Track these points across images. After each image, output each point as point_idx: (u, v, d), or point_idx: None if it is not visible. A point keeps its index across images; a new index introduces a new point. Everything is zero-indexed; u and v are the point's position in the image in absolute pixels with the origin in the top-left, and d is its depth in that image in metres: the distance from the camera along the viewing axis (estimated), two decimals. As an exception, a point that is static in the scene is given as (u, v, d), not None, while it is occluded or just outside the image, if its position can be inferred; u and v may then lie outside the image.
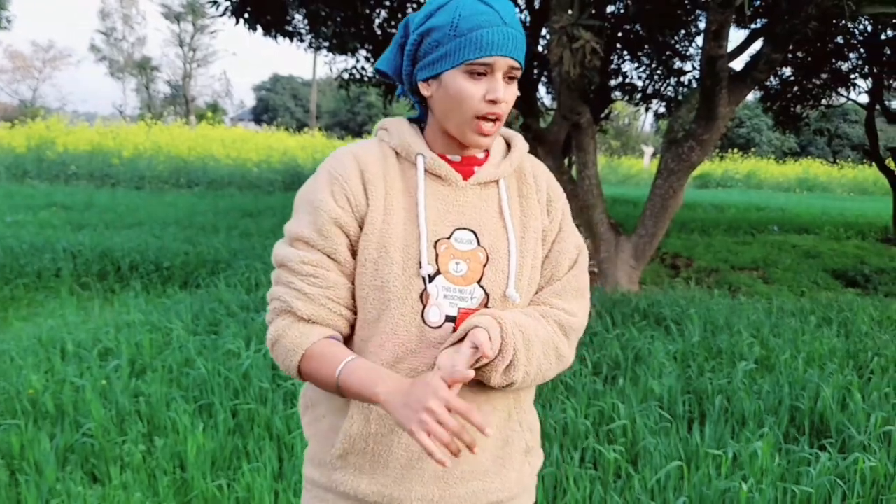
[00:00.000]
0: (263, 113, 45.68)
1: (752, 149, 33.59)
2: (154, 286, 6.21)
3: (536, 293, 1.29)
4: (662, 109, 10.00)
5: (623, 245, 6.25)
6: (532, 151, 7.95)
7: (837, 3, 4.44)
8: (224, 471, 2.87)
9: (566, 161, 8.30)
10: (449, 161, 1.25)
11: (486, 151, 1.28)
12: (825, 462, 2.85)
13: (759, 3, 5.36)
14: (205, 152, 18.08)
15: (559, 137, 7.44)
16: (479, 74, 1.16)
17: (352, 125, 41.38)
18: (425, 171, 1.23)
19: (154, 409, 3.33)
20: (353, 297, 1.24)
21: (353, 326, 1.25)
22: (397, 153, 1.25)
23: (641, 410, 3.35)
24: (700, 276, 7.57)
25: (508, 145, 1.32)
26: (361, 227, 1.21)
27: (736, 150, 31.86)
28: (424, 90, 1.22)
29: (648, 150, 31.15)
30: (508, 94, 1.18)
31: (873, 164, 12.35)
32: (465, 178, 1.24)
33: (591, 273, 7.19)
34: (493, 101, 1.16)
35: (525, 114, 8.84)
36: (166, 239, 7.61)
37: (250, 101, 50.24)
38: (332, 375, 1.15)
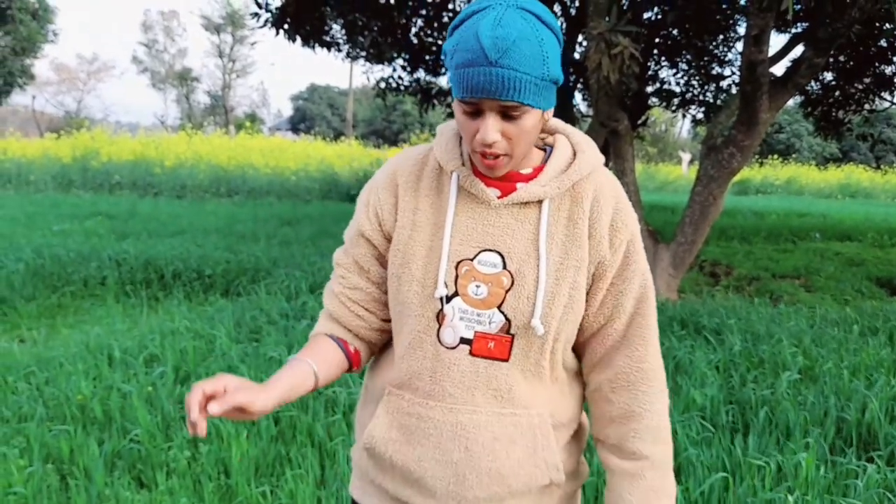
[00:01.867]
0: (301, 122, 46.27)
1: (793, 155, 33.00)
2: (196, 294, 6.32)
3: (592, 336, 1.23)
4: (700, 115, 9.88)
5: (662, 253, 6.19)
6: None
7: (882, 7, 4.36)
8: (267, 477, 2.92)
9: (603, 168, 8.25)
10: (486, 178, 1.18)
11: (537, 167, 1.20)
12: (873, 474, 2.79)
13: (800, 7, 5.29)
14: (244, 161, 18.37)
15: (597, 144, 7.42)
16: (472, 113, 1.09)
17: (388, 134, 41.68)
18: (459, 186, 1.18)
19: (198, 415, 3.38)
20: (380, 304, 1.28)
21: (384, 333, 1.30)
22: (439, 164, 1.22)
23: (683, 421, 3.32)
24: (740, 285, 7.46)
25: (574, 158, 1.21)
26: (390, 240, 1.23)
27: (776, 157, 31.33)
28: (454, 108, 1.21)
29: (686, 156, 30.81)
30: (510, 130, 1.09)
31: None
32: (505, 194, 1.17)
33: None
34: (483, 143, 1.09)
35: (562, 121, 8.83)
36: (208, 247, 7.74)
37: (288, 110, 50.96)
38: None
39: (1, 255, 7.10)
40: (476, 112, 1.09)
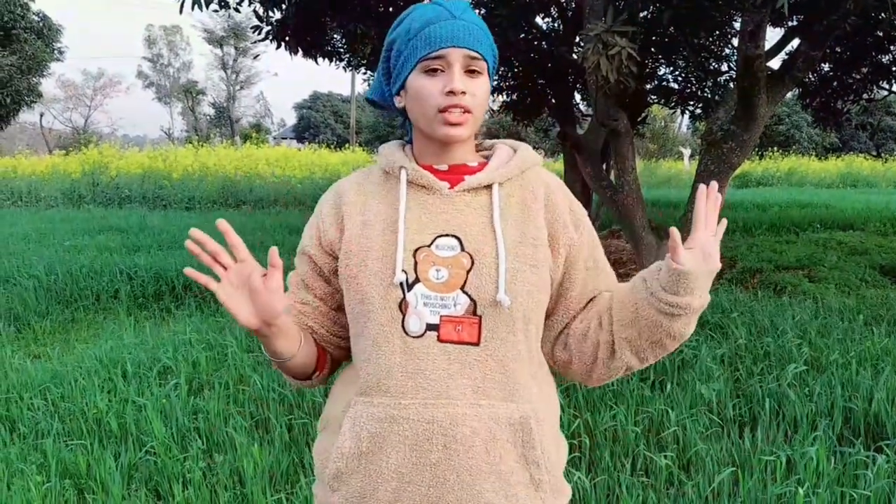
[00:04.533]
0: (305, 131, 46.37)
1: (793, 146, 32.89)
2: (208, 305, 6.38)
3: (585, 308, 1.29)
4: (699, 111, 9.89)
5: (665, 249, 6.21)
6: (570, 159, 7.96)
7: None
8: (282, 485, 2.96)
9: (605, 167, 8.29)
10: (435, 171, 1.25)
11: (483, 162, 1.28)
12: (882, 465, 2.82)
13: (794, 0, 5.31)
14: (251, 171, 18.50)
15: (597, 144, 7.45)
16: (436, 70, 1.17)
17: (390, 139, 41.47)
18: (409, 182, 1.23)
19: (212, 425, 3.44)
20: (328, 319, 1.32)
21: (336, 349, 1.34)
22: (387, 172, 1.27)
23: (691, 416, 3.35)
24: (744, 277, 7.47)
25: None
26: (333, 256, 1.27)
27: (776, 148, 31.23)
28: (399, 103, 1.26)
29: (686, 151, 30.77)
30: (472, 86, 1.18)
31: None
32: (454, 185, 1.23)
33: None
34: (452, 93, 1.16)
35: (562, 122, 8.86)
36: (217, 259, 7.77)
37: (291, 119, 51.10)
38: None
39: (14, 271, 7.19)
40: (438, 71, 1.17)
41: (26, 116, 35.63)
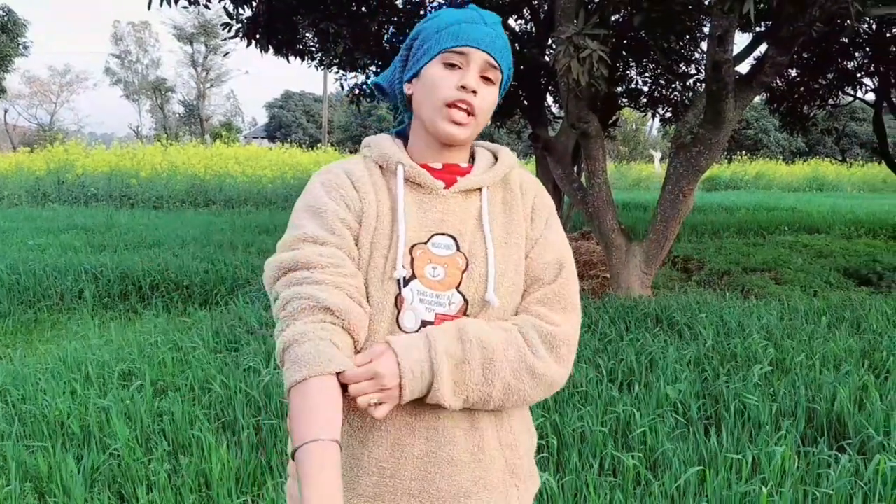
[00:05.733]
0: (277, 130, 46.05)
1: (761, 150, 33.45)
2: (175, 305, 6.30)
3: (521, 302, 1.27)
4: (668, 115, 10.01)
5: (634, 251, 6.27)
6: (541, 160, 7.98)
7: (842, 6, 4.46)
8: (249, 487, 2.93)
9: (576, 169, 8.34)
10: (430, 169, 1.25)
11: (471, 163, 1.30)
12: (845, 464, 2.86)
13: (762, 6, 5.39)
14: (221, 170, 18.29)
15: (568, 146, 7.49)
16: (455, 66, 1.20)
17: (363, 139, 41.60)
18: (406, 179, 1.24)
19: (178, 427, 3.39)
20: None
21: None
22: (380, 166, 1.27)
23: (658, 416, 3.38)
24: (712, 279, 7.57)
25: (496, 159, 1.33)
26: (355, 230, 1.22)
27: (744, 152, 31.72)
28: (408, 90, 1.27)
29: (657, 154, 31.14)
30: (484, 91, 1.21)
31: (882, 161, 12.27)
32: (448, 185, 1.24)
33: (604, 279, 7.21)
34: (464, 88, 1.18)
35: (534, 123, 8.90)
36: (185, 258, 7.70)
37: (263, 118, 50.70)
38: (298, 438, 1.02)
39: (-25, 272, 7.03)
40: (456, 66, 1.20)
41: (-10, 113, 34.92)
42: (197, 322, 5.35)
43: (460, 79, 1.19)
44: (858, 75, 9.54)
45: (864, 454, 3.05)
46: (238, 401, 3.63)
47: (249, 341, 4.63)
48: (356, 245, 1.19)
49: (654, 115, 10.31)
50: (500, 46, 1.22)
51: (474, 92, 1.19)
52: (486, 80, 1.21)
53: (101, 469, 3.09)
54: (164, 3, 6.14)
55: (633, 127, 35.57)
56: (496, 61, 1.21)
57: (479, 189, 1.26)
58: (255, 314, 5.39)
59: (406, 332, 1.16)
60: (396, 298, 1.16)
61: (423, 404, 1.15)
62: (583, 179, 7.35)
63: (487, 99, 1.22)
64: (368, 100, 10.00)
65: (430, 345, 1.12)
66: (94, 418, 3.45)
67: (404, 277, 1.17)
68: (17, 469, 3.02)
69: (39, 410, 3.59)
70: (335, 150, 29.22)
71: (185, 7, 6.93)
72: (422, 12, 8.40)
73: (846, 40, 7.64)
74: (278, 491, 2.80)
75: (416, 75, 1.25)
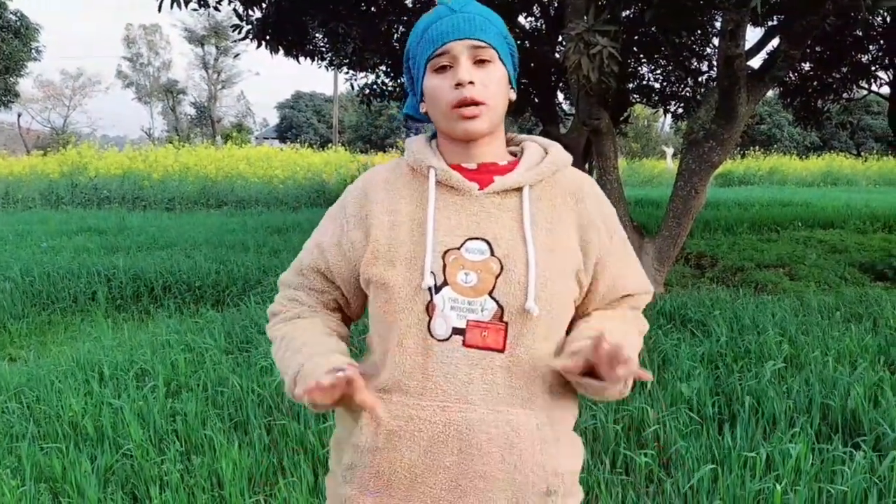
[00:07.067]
0: (287, 130, 46.19)
1: (775, 145, 33.23)
2: (187, 306, 6.33)
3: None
4: (680, 111, 9.95)
5: (647, 248, 6.24)
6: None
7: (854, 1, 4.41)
8: (261, 487, 2.93)
9: (587, 166, 8.31)
10: (464, 170, 1.22)
11: (512, 161, 1.26)
12: (860, 461, 2.83)
13: (774, 0, 5.34)
14: (232, 171, 18.39)
15: (579, 143, 7.47)
16: (444, 68, 1.17)
17: (374, 139, 41.72)
18: (438, 182, 1.21)
19: (190, 427, 3.41)
20: (345, 301, 1.32)
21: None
22: (413, 169, 1.25)
23: (671, 414, 3.35)
24: (726, 276, 7.52)
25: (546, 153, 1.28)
26: (351, 260, 1.25)
27: (757, 148, 31.51)
28: (423, 109, 1.25)
29: (669, 150, 30.99)
30: (482, 75, 1.16)
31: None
32: (483, 186, 1.20)
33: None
34: (459, 85, 1.15)
35: (544, 121, 8.88)
36: (198, 259, 7.74)
37: (274, 119, 50.88)
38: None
39: (-11, 274, 7.09)
40: (446, 68, 1.17)
41: (3, 116, 35.41)
42: (209, 323, 5.37)
43: (453, 78, 1.16)
44: (873, 68, 9.44)
45: (879, 451, 3.01)
46: (250, 401, 3.64)
47: (261, 342, 4.64)
48: (349, 261, 1.25)
49: (665, 112, 10.26)
50: (478, 24, 1.17)
51: (471, 83, 1.15)
52: (482, 62, 1.17)
53: (114, 469, 3.11)
54: (175, 5, 6.16)
55: (645, 123, 35.44)
56: (480, 40, 1.16)
57: (521, 189, 1.21)
58: (266, 315, 5.39)
59: (437, 340, 1.14)
60: (428, 306, 1.14)
61: (456, 415, 1.14)
62: (594, 176, 7.32)
63: (490, 82, 1.17)
64: (379, 99, 10.02)
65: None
66: (108, 419, 3.47)
67: (435, 284, 1.14)
68: (31, 470, 3.05)
69: (54, 411, 3.62)
70: (346, 149, 29.24)
71: (195, 9, 6.96)
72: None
73: (860, 33, 7.56)
74: (290, 490, 2.81)
75: (423, 93, 1.23)
